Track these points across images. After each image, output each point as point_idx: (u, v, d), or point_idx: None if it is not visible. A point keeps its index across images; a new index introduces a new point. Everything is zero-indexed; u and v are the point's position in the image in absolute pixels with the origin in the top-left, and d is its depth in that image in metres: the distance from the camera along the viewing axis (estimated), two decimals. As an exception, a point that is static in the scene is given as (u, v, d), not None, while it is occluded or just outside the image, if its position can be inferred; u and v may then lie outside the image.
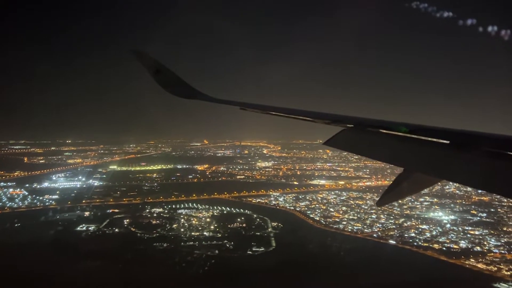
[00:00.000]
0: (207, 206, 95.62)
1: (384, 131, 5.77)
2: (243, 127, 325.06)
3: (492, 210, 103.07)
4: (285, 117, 7.36)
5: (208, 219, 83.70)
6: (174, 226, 77.75)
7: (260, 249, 65.65)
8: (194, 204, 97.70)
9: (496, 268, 64.46)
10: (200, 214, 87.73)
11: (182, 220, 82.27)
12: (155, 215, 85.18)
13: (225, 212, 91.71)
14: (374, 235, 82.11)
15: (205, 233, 73.68)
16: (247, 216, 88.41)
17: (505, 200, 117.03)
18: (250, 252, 64.26)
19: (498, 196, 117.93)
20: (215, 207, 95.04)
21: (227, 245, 67.07)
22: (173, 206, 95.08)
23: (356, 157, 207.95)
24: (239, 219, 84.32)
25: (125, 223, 78.79)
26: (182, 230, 75.37)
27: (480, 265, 65.77)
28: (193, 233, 73.24)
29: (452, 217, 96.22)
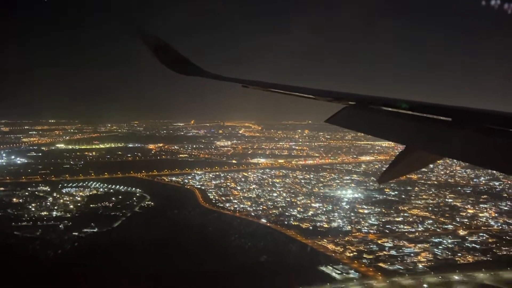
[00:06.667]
0: (99, 185, 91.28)
1: (386, 108, 5.59)
2: (239, 107, 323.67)
3: (408, 188, 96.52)
4: (286, 94, 7.09)
5: (79, 198, 79.30)
6: (32, 205, 73.13)
7: (92, 230, 60.96)
8: (90, 183, 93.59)
9: (342, 249, 59.49)
10: (80, 193, 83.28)
11: (50, 199, 77.81)
12: (27, 193, 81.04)
13: (111, 191, 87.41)
14: (252, 213, 77.16)
15: (54, 213, 69.09)
16: (130, 194, 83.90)
17: (434, 179, 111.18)
18: (75, 233, 59.62)
19: (431, 175, 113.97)
20: (106, 186, 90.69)
21: (60, 226, 62.46)
22: (65, 185, 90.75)
23: (328, 136, 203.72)
24: (114, 198, 79.79)
25: (-19, 201, 75.05)
26: (33, 210, 70.69)
27: (330, 246, 60.75)
28: (41, 213, 68.61)
29: (358, 195, 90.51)
